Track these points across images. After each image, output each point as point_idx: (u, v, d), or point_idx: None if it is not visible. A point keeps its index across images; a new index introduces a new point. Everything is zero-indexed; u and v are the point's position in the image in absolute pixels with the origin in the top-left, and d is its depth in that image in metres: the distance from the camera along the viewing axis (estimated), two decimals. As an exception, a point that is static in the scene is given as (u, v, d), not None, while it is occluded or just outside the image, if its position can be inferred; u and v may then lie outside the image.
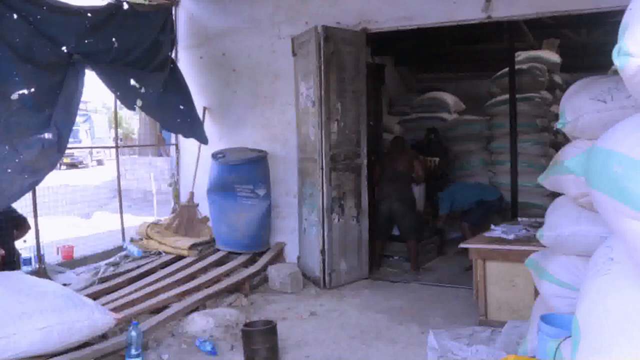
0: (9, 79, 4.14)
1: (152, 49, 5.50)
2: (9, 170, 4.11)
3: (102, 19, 4.97)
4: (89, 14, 4.85)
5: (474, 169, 7.31)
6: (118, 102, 5.86)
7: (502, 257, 3.99)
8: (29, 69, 4.24)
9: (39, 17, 4.37)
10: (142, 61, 5.38)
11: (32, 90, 4.25)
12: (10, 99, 4.11)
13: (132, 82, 5.19)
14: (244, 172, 5.60)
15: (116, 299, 4.26)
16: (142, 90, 5.25)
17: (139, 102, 5.26)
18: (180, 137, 6.42)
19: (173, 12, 6.16)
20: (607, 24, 5.86)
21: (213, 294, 4.56)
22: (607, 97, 2.45)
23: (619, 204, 1.45)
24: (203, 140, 5.91)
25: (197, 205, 6.11)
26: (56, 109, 4.40)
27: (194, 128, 5.86)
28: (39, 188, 5.03)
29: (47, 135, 4.32)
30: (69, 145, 5.00)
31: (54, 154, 4.44)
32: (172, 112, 5.72)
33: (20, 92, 4.18)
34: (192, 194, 6.14)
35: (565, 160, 2.64)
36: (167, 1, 6.02)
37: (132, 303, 4.19)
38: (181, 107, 5.80)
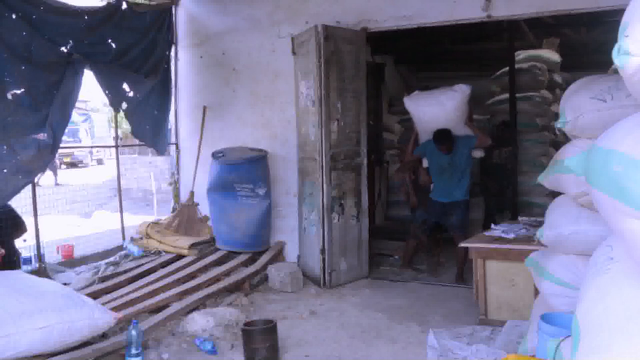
0: (6, 78, 4.14)
1: (148, 49, 5.50)
2: (5, 171, 4.13)
3: (100, 19, 4.97)
4: (86, 15, 4.85)
5: (474, 168, 7.26)
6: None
7: (502, 256, 3.99)
8: (26, 68, 4.24)
9: (37, 17, 4.36)
10: (138, 61, 5.39)
11: (30, 89, 4.25)
12: (7, 98, 4.12)
13: (124, 85, 5.23)
14: (244, 171, 5.59)
15: (116, 298, 4.26)
16: (131, 94, 5.30)
17: (124, 105, 5.30)
18: (180, 136, 6.43)
19: (173, 11, 6.16)
20: (607, 23, 5.86)
21: (213, 293, 4.56)
22: (607, 96, 2.44)
23: (618, 204, 1.45)
24: (160, 150, 6.04)
25: (197, 204, 6.11)
26: (52, 109, 4.40)
27: (156, 136, 5.90)
28: (39, 187, 5.03)
29: (42, 136, 4.33)
30: (69, 145, 5.04)
31: (48, 155, 4.46)
32: (146, 116, 5.73)
33: (17, 91, 4.18)
34: (192, 193, 6.14)
35: (565, 160, 2.64)
36: (167, 1, 6.02)
37: (132, 302, 4.19)
38: (155, 112, 5.81)
